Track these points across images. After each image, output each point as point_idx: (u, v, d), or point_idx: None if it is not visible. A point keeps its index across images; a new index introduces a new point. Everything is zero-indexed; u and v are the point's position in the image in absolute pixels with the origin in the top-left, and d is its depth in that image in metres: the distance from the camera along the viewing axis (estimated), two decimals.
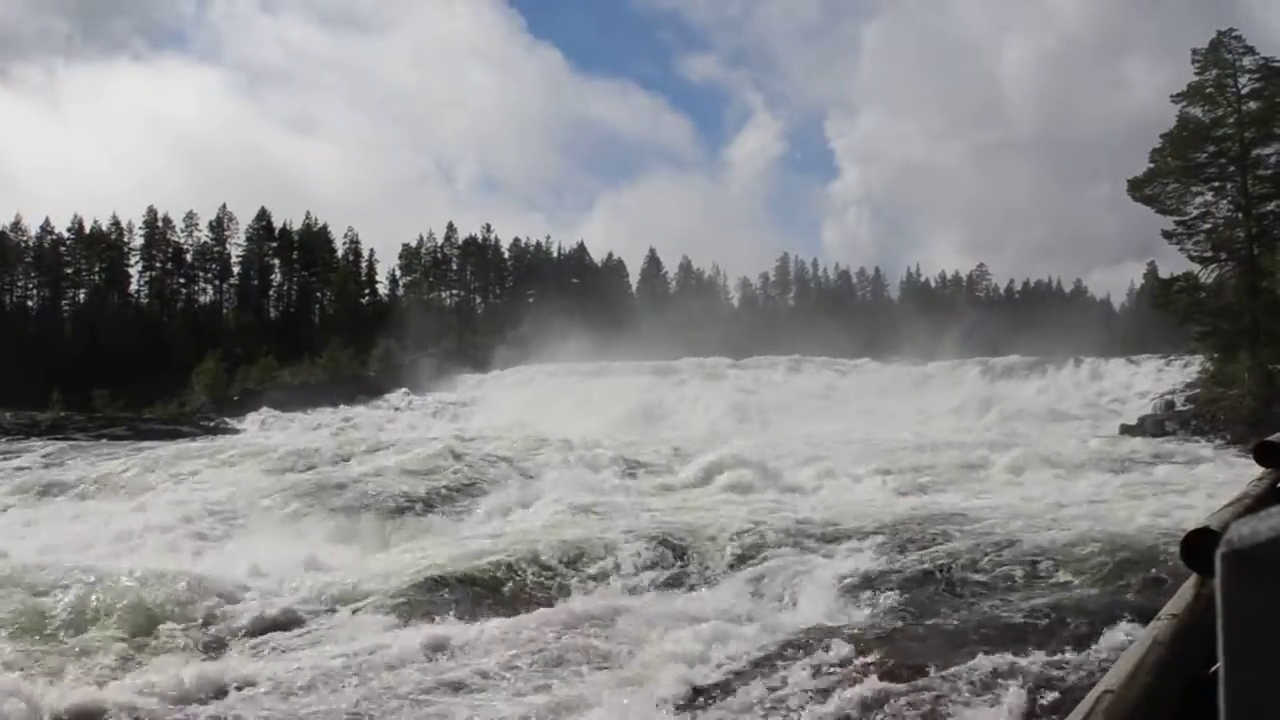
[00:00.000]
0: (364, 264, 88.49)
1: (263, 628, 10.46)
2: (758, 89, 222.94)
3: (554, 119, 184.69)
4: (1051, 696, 7.65)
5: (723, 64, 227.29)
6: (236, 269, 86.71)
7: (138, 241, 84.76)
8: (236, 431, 45.03)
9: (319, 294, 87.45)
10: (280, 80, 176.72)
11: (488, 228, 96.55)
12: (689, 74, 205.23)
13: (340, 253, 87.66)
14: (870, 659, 8.77)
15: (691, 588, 11.78)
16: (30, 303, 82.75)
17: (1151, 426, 34.09)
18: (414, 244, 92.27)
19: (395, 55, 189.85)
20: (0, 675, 8.83)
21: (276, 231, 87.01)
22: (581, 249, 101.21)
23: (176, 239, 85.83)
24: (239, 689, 8.60)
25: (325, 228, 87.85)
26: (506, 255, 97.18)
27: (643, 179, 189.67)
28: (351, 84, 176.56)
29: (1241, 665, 0.87)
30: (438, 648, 9.43)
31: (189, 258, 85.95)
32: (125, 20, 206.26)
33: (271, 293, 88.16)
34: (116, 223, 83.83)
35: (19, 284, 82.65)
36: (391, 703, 8.10)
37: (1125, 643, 8.03)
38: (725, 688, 8.27)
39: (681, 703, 7.97)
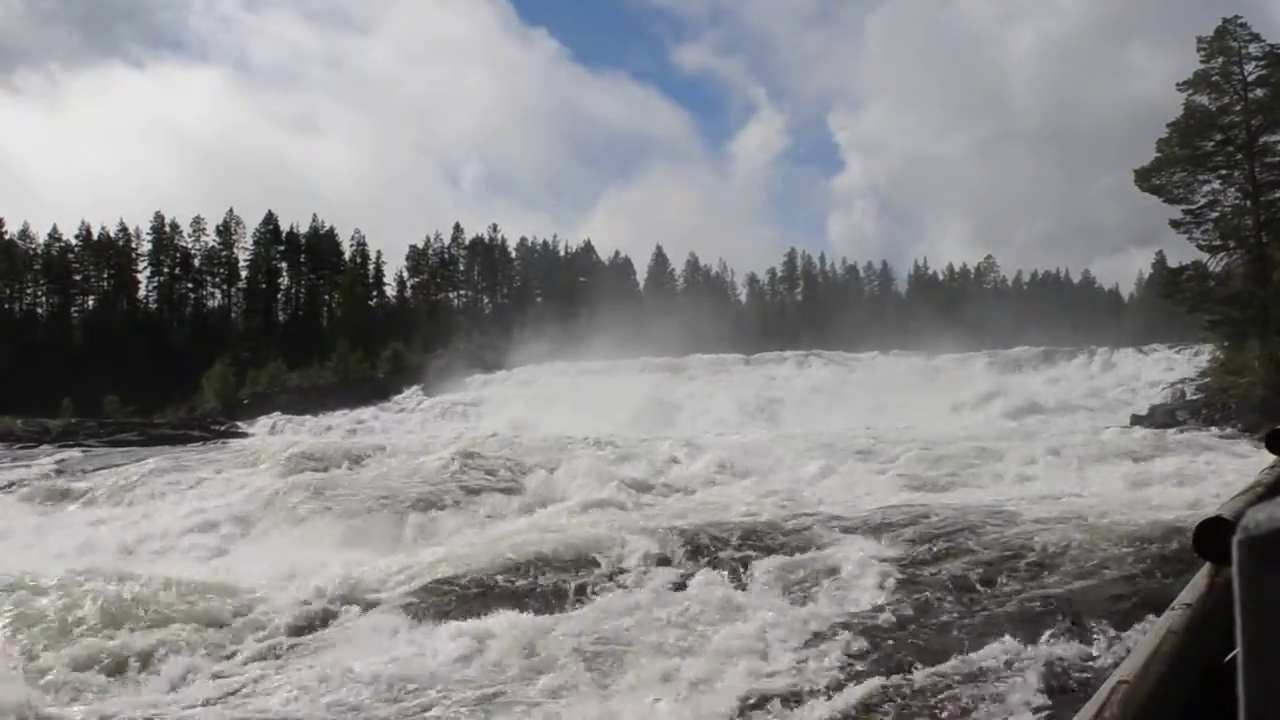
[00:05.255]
0: (371, 266, 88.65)
1: (277, 631, 10.49)
2: (760, 82, 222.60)
3: (554, 113, 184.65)
4: (1066, 687, 7.64)
5: (721, 56, 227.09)
6: (244, 273, 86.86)
7: (145, 247, 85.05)
8: (247, 435, 45.06)
9: (327, 297, 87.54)
10: (281, 82, 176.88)
11: (494, 228, 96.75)
12: (687, 67, 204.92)
13: (348, 255, 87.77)
14: (888, 649, 8.77)
15: (708, 582, 11.77)
16: (39, 310, 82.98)
17: (1162, 416, 33.96)
18: (421, 245, 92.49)
19: (392, 53, 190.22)
20: (11, 686, 8.87)
21: (284, 235, 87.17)
22: (588, 247, 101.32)
23: (184, 244, 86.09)
24: (254, 694, 8.63)
25: (332, 230, 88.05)
26: (513, 255, 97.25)
27: (646, 175, 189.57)
28: (352, 84, 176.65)
29: (1259, 652, 0.87)
30: (451, 650, 9.44)
31: (197, 262, 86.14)
32: (125, 26, 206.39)
33: (280, 296, 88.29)
34: (124, 229, 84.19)
35: (28, 291, 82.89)
36: (409, 707, 8.11)
37: (1140, 633, 8.02)
38: (742, 679, 8.28)
39: (698, 694, 7.97)
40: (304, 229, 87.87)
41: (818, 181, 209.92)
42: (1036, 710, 7.35)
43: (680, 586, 11.74)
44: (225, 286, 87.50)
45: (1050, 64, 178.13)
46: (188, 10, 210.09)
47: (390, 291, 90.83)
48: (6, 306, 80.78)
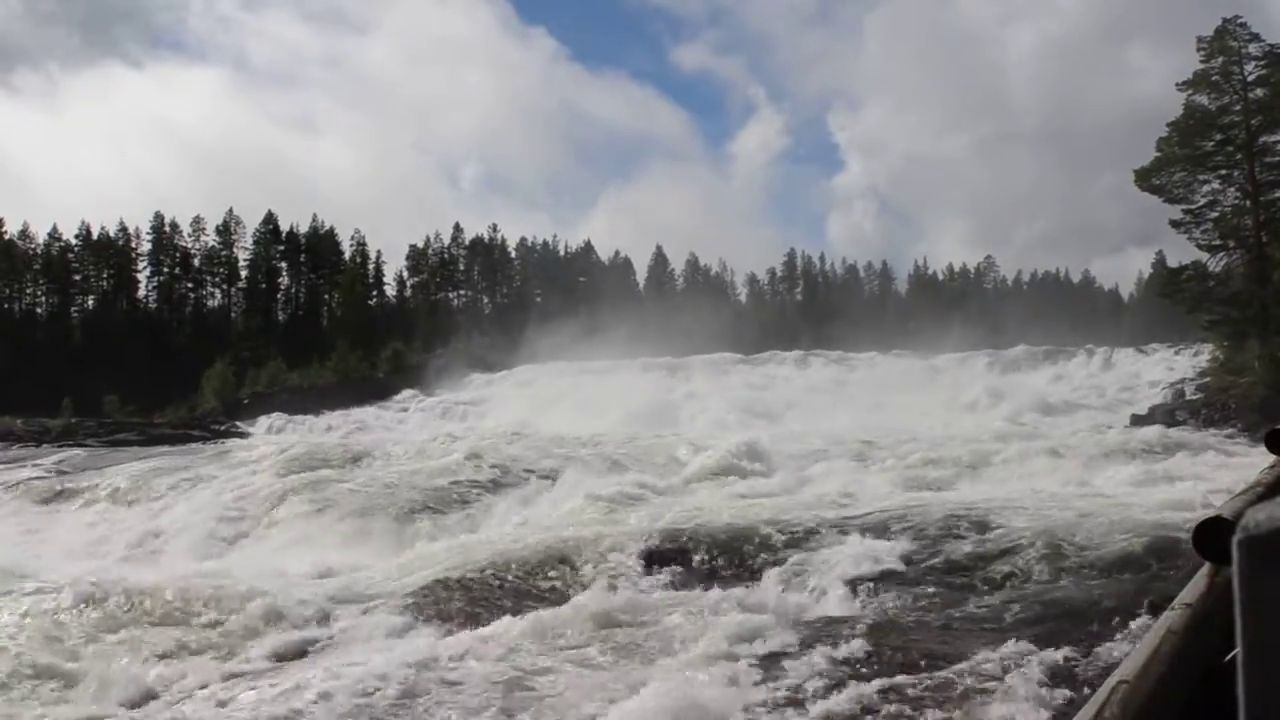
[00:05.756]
0: (371, 266, 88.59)
1: (276, 631, 10.48)
2: (759, 82, 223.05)
3: (554, 112, 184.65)
4: (1066, 687, 7.63)
5: (720, 56, 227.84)
6: (244, 273, 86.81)
7: (145, 247, 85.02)
8: (247, 435, 45.07)
9: (327, 296, 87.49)
10: (280, 83, 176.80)
11: (494, 227, 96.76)
12: (686, 67, 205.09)
13: (347, 255, 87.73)
14: (886, 650, 8.76)
15: (708, 583, 11.77)
16: (39, 310, 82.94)
17: (1162, 416, 33.96)
18: (421, 245, 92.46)
19: (391, 53, 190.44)
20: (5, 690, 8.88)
21: (284, 235, 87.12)
22: (588, 247, 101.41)
23: (184, 244, 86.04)
24: (245, 695, 8.62)
25: (332, 230, 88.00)
26: (513, 255, 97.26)
27: (645, 175, 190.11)
28: (351, 84, 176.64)
29: (1259, 652, 0.87)
30: (451, 650, 9.43)
31: (196, 262, 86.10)
32: (124, 26, 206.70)
33: (279, 296, 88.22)
34: (124, 228, 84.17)
35: (28, 291, 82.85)
36: (408, 707, 8.10)
37: (1139, 633, 8.02)
38: (743, 679, 8.27)
39: (697, 695, 7.96)
40: (304, 229, 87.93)
41: (817, 181, 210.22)
42: (1036, 711, 7.34)
43: (682, 586, 11.74)
44: (225, 286, 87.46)
45: (1050, 64, 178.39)
46: (186, 11, 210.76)
47: (390, 291, 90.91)
48: (6, 306, 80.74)
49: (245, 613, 10.87)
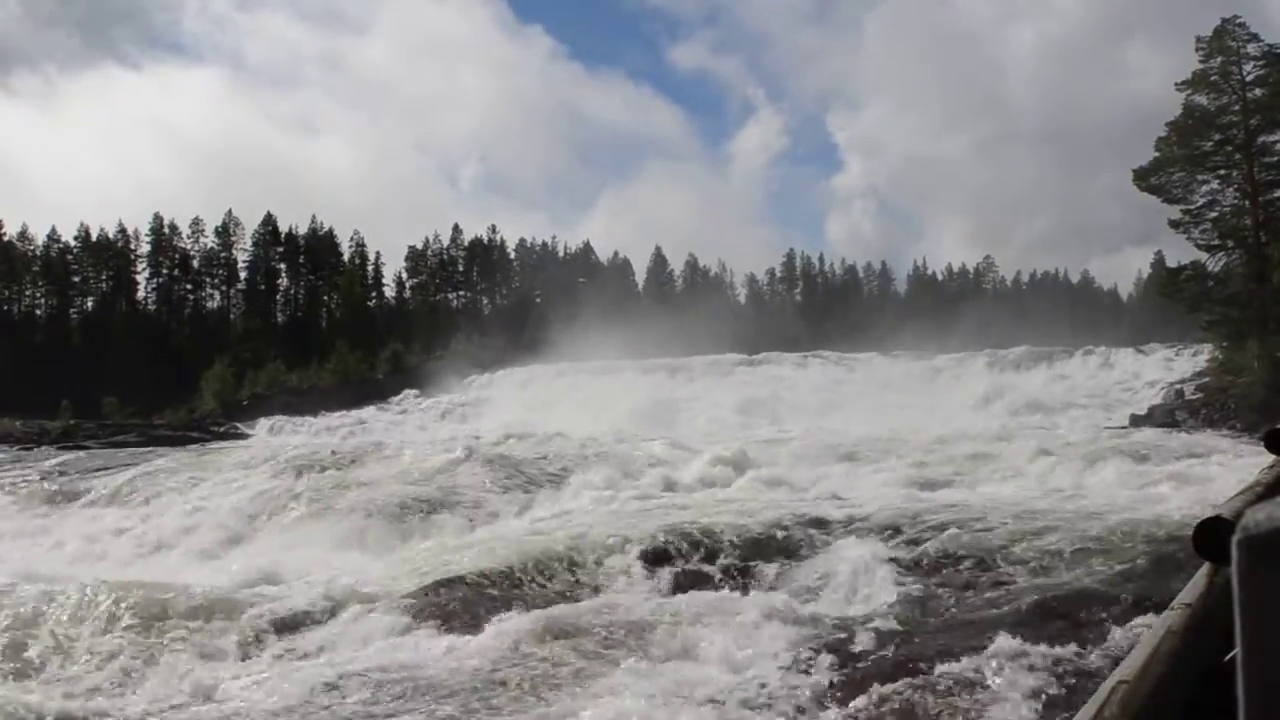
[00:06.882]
0: (370, 267, 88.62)
1: (272, 633, 10.47)
2: (758, 82, 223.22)
3: (552, 111, 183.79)
4: (1066, 687, 7.63)
5: (718, 55, 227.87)
6: (243, 274, 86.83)
7: (144, 248, 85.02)
8: (246, 436, 45.09)
9: (326, 298, 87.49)
10: (278, 83, 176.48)
11: (493, 229, 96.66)
12: (683, 67, 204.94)
13: (346, 256, 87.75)
14: (886, 651, 8.76)
15: (707, 584, 11.76)
16: (38, 312, 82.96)
17: (1161, 416, 34.00)
18: (420, 246, 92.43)
19: (388, 52, 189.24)
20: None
21: (283, 236, 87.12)
22: (587, 248, 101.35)
23: (183, 245, 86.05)
24: (245, 696, 8.62)
25: (331, 231, 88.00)
26: (512, 256, 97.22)
27: (644, 175, 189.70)
28: (349, 84, 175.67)
29: (1259, 651, 0.87)
30: (450, 651, 9.43)
31: (196, 263, 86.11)
32: (121, 28, 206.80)
33: (279, 297, 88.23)
34: (123, 230, 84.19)
35: (27, 293, 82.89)
36: (402, 709, 8.09)
37: (1139, 633, 8.01)
38: (744, 682, 8.27)
39: (699, 698, 7.96)
40: (303, 230, 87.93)
41: (817, 181, 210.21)
42: (1036, 711, 7.34)
43: (682, 587, 11.73)
44: (224, 287, 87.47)
45: (1050, 64, 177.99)
46: (182, 11, 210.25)
47: (389, 292, 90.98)
48: (5, 308, 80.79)
49: (244, 613, 10.87)
